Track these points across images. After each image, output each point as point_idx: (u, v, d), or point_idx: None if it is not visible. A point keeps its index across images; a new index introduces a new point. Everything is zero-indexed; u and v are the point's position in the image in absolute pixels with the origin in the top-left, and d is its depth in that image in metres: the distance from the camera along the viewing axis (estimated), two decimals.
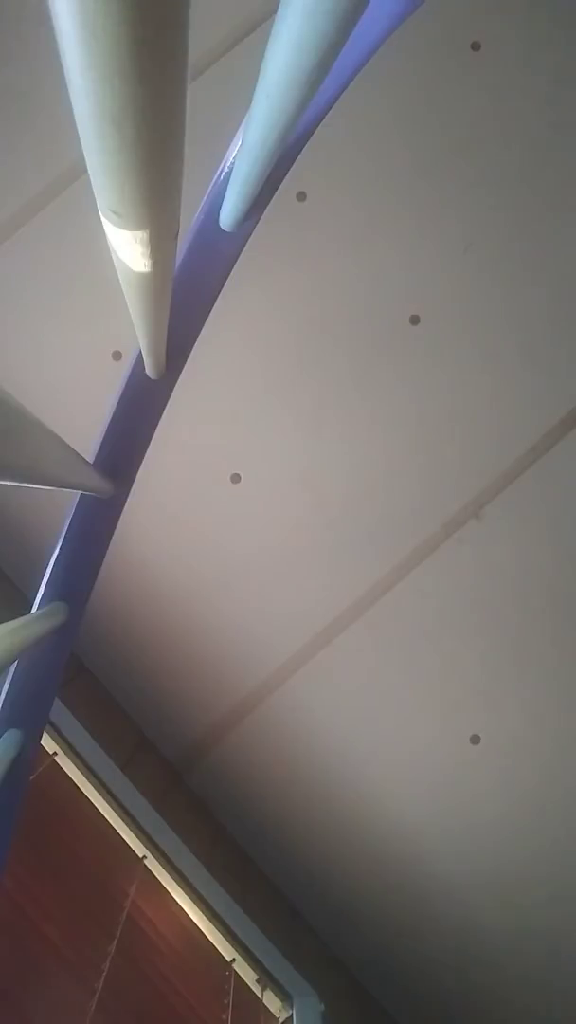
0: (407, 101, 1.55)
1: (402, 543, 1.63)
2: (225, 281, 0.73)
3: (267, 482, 1.62)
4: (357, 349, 1.61)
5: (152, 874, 1.37)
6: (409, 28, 0.66)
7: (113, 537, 0.82)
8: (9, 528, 1.63)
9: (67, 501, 0.80)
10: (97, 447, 0.78)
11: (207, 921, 1.37)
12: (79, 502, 0.79)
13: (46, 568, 0.81)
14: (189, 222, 0.68)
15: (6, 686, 0.80)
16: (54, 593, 0.80)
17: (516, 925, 1.63)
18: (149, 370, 0.73)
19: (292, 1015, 1.32)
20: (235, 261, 0.72)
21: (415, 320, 1.59)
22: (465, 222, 1.58)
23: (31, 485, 0.44)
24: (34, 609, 0.79)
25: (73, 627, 0.82)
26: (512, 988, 1.64)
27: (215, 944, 1.37)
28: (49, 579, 0.80)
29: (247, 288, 1.54)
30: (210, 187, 0.69)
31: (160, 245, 0.37)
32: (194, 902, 1.37)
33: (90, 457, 0.77)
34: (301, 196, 1.56)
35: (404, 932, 1.65)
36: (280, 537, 1.63)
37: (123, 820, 1.36)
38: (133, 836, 1.37)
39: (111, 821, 1.36)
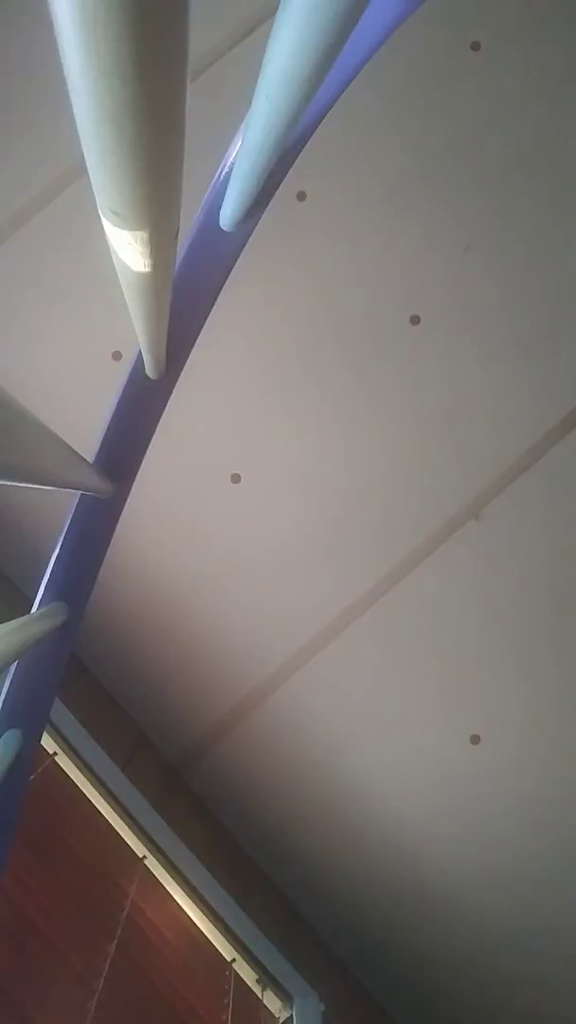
0: (407, 101, 1.55)
1: (402, 543, 1.62)
2: (225, 281, 0.73)
3: (267, 482, 1.62)
4: (357, 349, 1.61)
5: (152, 874, 1.37)
6: (409, 28, 0.66)
7: (113, 537, 0.82)
8: (9, 528, 1.63)
9: (67, 501, 0.80)
10: (97, 447, 0.78)
11: (207, 921, 1.37)
12: (79, 502, 0.79)
13: (46, 568, 0.81)
14: (189, 222, 0.68)
15: (6, 686, 0.80)
16: (54, 593, 0.80)
17: (516, 925, 1.63)
18: (149, 370, 0.73)
19: (292, 1015, 1.32)
20: (235, 261, 0.72)
21: (415, 320, 1.59)
22: (465, 222, 1.58)
23: (31, 485, 0.44)
24: (34, 609, 0.79)
25: (73, 627, 0.82)
26: (512, 988, 1.64)
27: (215, 944, 1.37)
28: (49, 579, 0.80)
29: (247, 288, 1.54)
30: (210, 187, 0.69)
31: (160, 245, 0.37)
32: (194, 902, 1.37)
33: (90, 457, 0.77)
34: (301, 196, 1.56)
35: (404, 932, 1.65)
36: (280, 537, 1.63)
37: (123, 820, 1.36)
38: (133, 836, 1.37)
39: (111, 821, 1.36)
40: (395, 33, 0.61)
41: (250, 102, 0.43)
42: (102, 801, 1.36)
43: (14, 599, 1.58)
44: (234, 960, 1.37)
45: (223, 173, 0.66)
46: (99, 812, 1.36)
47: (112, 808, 1.36)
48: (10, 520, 1.63)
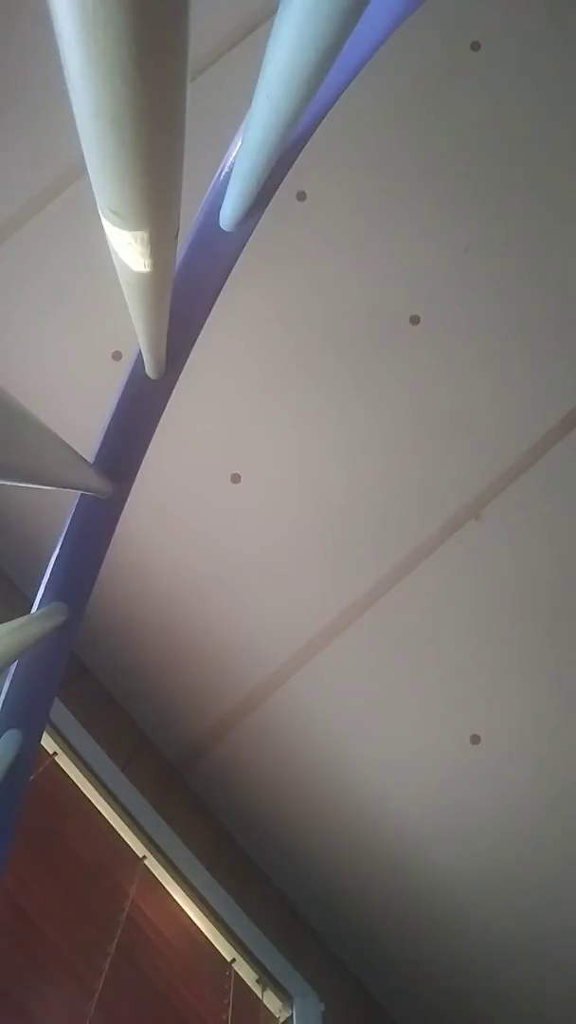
0: (407, 101, 1.55)
1: (402, 543, 1.62)
2: (225, 281, 0.73)
3: (267, 482, 1.62)
4: (357, 349, 1.61)
5: (152, 874, 1.37)
6: (409, 28, 0.66)
7: (113, 537, 0.82)
8: (9, 528, 1.63)
9: (67, 501, 0.80)
10: (97, 447, 0.78)
11: (207, 921, 1.37)
12: (79, 502, 0.79)
13: (46, 568, 0.81)
14: (189, 222, 0.68)
15: (6, 686, 0.80)
16: (54, 593, 0.80)
17: (516, 926, 1.63)
18: (149, 370, 0.73)
19: (292, 1015, 1.32)
20: (235, 261, 0.72)
21: (415, 320, 1.59)
22: (465, 222, 1.58)
23: (31, 485, 0.44)
24: (34, 609, 0.79)
25: (73, 627, 0.82)
26: (512, 989, 1.64)
27: (215, 944, 1.37)
28: (49, 579, 0.80)
29: (247, 288, 1.54)
30: (210, 187, 0.69)
31: (160, 245, 0.37)
32: (194, 902, 1.37)
33: (90, 457, 0.77)
34: (301, 196, 1.56)
35: (404, 932, 1.65)
36: (280, 537, 1.63)
37: (123, 820, 1.36)
38: (133, 836, 1.37)
39: (111, 821, 1.36)
40: (395, 33, 0.61)
41: (250, 102, 0.43)
42: (102, 801, 1.36)
43: (14, 599, 1.58)
44: (234, 960, 1.37)
45: (223, 173, 0.66)
46: (99, 812, 1.36)
47: (112, 808, 1.36)
48: (10, 520, 1.63)
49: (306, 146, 0.66)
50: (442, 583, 1.62)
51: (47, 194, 1.55)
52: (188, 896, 1.37)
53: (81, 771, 1.35)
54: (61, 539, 0.80)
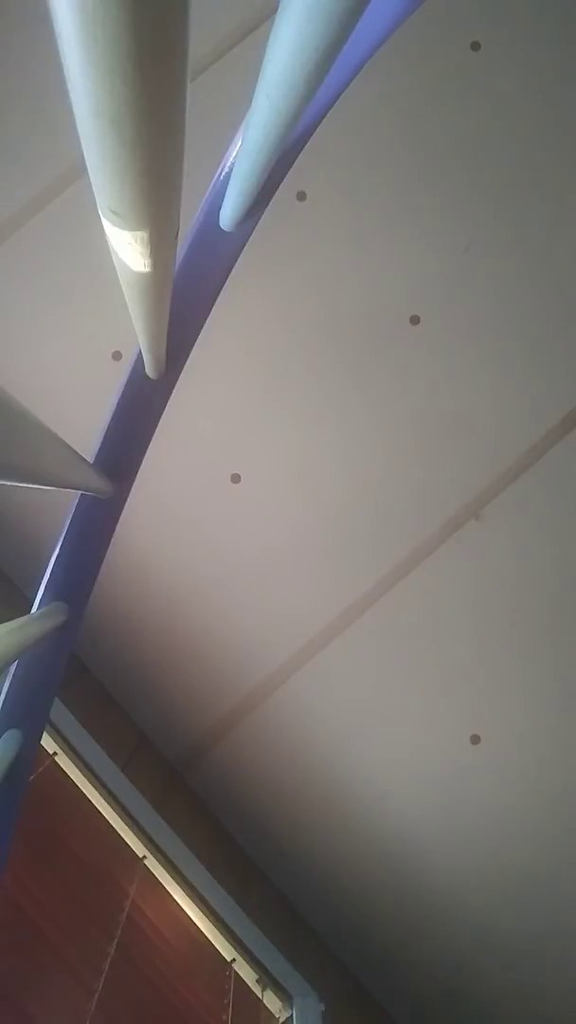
0: (407, 101, 1.55)
1: (402, 543, 1.62)
2: (225, 281, 0.73)
3: (267, 482, 1.62)
4: (357, 349, 1.61)
5: (152, 874, 1.37)
6: (409, 28, 0.66)
7: (113, 537, 0.82)
8: (9, 528, 1.63)
9: (67, 501, 0.80)
10: (97, 447, 0.78)
11: (207, 921, 1.37)
12: (79, 502, 0.79)
13: (46, 568, 0.81)
14: (189, 222, 0.68)
15: (6, 686, 0.80)
16: (54, 593, 0.80)
17: (516, 926, 1.63)
18: (149, 370, 0.73)
19: (292, 1015, 1.32)
20: (235, 261, 0.72)
21: (415, 320, 1.59)
22: (465, 222, 1.58)
23: (31, 485, 0.44)
24: (34, 609, 0.79)
25: (73, 627, 0.82)
26: (512, 989, 1.64)
27: (215, 944, 1.38)
28: (49, 579, 0.80)
29: (247, 288, 1.54)
30: (210, 187, 0.69)
31: (160, 245, 0.37)
32: (194, 902, 1.37)
33: (90, 457, 0.77)
34: (301, 196, 1.56)
35: (404, 932, 1.65)
36: (280, 537, 1.63)
37: (123, 820, 1.36)
38: (133, 836, 1.37)
39: (111, 821, 1.36)
40: (395, 33, 0.61)
41: (250, 102, 0.43)
42: (102, 801, 1.36)
43: (14, 599, 1.58)
44: (234, 960, 1.37)
45: (223, 173, 0.66)
46: (99, 812, 1.36)
47: (112, 808, 1.36)
48: (10, 520, 1.63)
49: (306, 146, 0.66)
50: (442, 583, 1.62)
51: (47, 194, 1.55)
52: (188, 896, 1.37)
53: (81, 771, 1.35)
54: (61, 539, 0.80)
